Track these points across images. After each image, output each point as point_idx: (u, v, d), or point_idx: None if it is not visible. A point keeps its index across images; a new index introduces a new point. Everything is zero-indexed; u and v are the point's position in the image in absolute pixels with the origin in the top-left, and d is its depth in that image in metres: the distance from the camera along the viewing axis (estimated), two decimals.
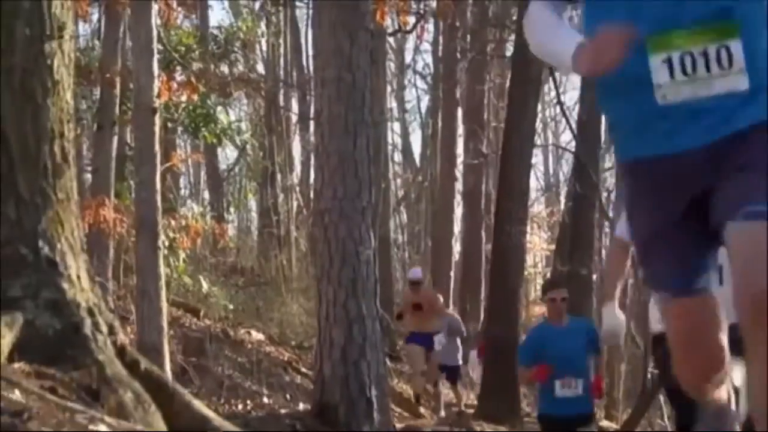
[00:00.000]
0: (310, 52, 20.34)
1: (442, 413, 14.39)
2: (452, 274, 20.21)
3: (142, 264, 9.33)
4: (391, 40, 24.52)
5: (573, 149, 18.21)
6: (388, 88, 24.38)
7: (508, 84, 19.74)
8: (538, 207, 35.52)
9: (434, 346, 13.99)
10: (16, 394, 3.76)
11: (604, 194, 22.28)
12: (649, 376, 14.16)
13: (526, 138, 16.90)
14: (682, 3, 2.93)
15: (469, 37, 21.25)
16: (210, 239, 17.83)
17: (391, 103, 28.02)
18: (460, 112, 20.99)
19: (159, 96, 9.71)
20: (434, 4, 17.59)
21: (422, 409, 14.83)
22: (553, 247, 24.21)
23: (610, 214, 18.85)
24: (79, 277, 5.10)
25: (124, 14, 12.46)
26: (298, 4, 22.53)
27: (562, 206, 21.16)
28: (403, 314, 14.71)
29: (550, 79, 18.97)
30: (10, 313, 4.78)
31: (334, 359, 9.87)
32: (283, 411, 10.91)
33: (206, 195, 24.74)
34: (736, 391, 4.77)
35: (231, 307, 15.96)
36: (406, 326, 14.99)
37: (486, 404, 14.61)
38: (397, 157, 33.55)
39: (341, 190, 10.04)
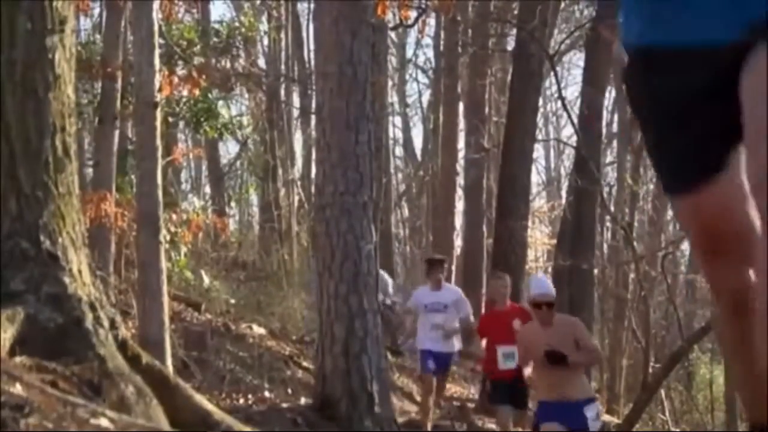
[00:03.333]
0: (312, 47, 20.38)
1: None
2: (453, 268, 20.19)
3: (144, 258, 9.33)
4: (392, 34, 24.52)
5: (574, 144, 18.19)
6: (390, 83, 24.39)
7: (509, 78, 19.75)
8: (539, 201, 35.56)
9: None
10: (17, 388, 3.76)
11: (606, 189, 22.29)
12: (650, 370, 14.16)
13: (528, 132, 16.90)
14: None
15: (470, 31, 21.25)
16: (211, 233, 17.84)
17: (393, 98, 28.05)
18: (461, 106, 21.00)
19: (160, 90, 9.69)
20: None
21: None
22: (554, 241, 24.20)
23: (612, 209, 18.84)
24: (80, 271, 5.11)
25: (125, 8, 12.46)
26: None
27: (564, 201, 21.15)
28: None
29: (552, 73, 18.95)
30: (12, 307, 4.78)
31: (335, 353, 9.88)
32: (284, 405, 10.91)
33: (207, 189, 24.78)
34: None
35: (232, 301, 15.97)
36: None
37: (487, 398, 14.60)
38: (399, 151, 33.58)
39: (342, 185, 10.05)
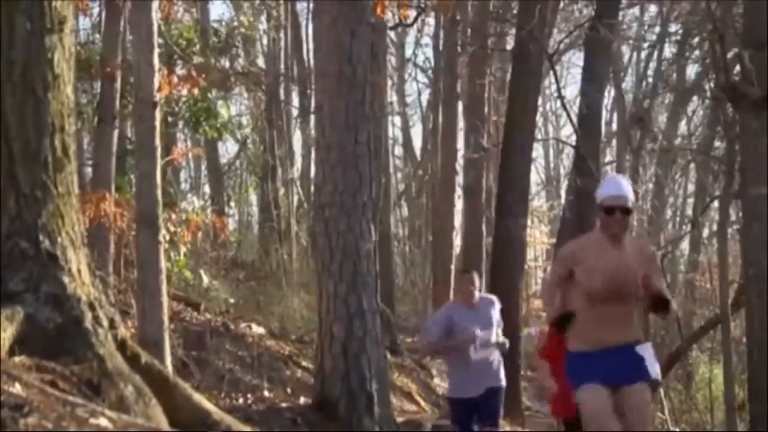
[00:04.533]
0: (311, 46, 20.35)
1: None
2: (453, 267, 20.18)
3: (143, 258, 9.33)
4: (391, 33, 24.51)
5: (573, 143, 18.18)
6: (389, 82, 24.37)
7: (508, 78, 19.74)
8: (538, 201, 35.54)
9: None
10: (17, 388, 3.76)
11: None
12: None
13: (527, 132, 16.89)
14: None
15: (469, 30, 21.23)
16: (210, 233, 17.84)
17: (392, 97, 28.02)
18: (460, 105, 20.97)
19: (159, 90, 9.69)
20: None
21: (422, 403, 14.85)
22: (553, 240, 24.20)
23: None
24: (79, 271, 5.11)
25: (124, 8, 12.45)
26: None
27: (563, 200, 21.12)
28: None
29: (551, 72, 18.95)
30: (11, 306, 4.78)
31: (334, 353, 9.88)
32: (283, 405, 10.91)
33: (207, 189, 24.75)
34: None
35: (232, 301, 15.96)
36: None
37: None
38: (398, 151, 33.56)
39: (342, 185, 10.05)
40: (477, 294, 8.91)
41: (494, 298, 9.17)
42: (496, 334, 8.85)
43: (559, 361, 6.85)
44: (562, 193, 26.15)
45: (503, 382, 8.78)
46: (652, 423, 6.09)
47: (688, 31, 23.73)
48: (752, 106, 10.89)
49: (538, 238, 32.29)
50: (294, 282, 18.09)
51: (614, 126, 29.74)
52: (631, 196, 6.05)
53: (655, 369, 6.04)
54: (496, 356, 8.78)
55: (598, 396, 5.83)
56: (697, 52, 24.20)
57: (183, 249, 14.60)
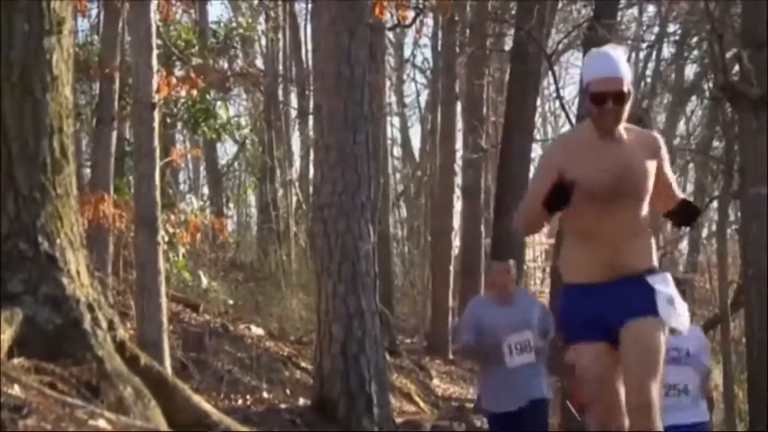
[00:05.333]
0: (309, 47, 20.34)
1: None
2: (451, 268, 20.19)
3: (142, 259, 9.33)
4: (390, 34, 24.48)
5: None
6: (387, 83, 24.35)
7: (507, 78, 19.73)
8: None
9: None
10: (16, 390, 3.75)
11: None
12: None
13: (526, 132, 16.89)
14: None
15: (468, 31, 21.23)
16: (209, 234, 17.82)
17: (391, 98, 27.99)
18: (459, 106, 20.98)
19: (158, 91, 9.70)
20: None
21: (421, 403, 14.84)
22: (552, 241, 24.21)
23: None
24: (78, 273, 5.10)
25: (122, 9, 12.45)
26: None
27: None
28: None
29: (549, 73, 18.94)
30: (10, 308, 4.77)
31: (333, 354, 9.88)
32: (282, 406, 10.91)
33: (205, 190, 24.73)
34: None
35: (230, 302, 15.96)
36: None
37: None
38: (397, 151, 33.54)
39: (340, 185, 10.05)
40: (513, 286, 7.57)
41: (539, 300, 7.49)
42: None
43: None
44: None
45: (547, 393, 7.55)
46: (656, 371, 4.46)
47: (686, 31, 23.73)
48: (751, 105, 10.89)
49: (537, 238, 32.28)
50: (293, 283, 18.08)
51: None
52: (627, 75, 4.65)
53: (673, 310, 4.58)
54: (538, 361, 7.40)
55: (599, 363, 4.61)
56: (695, 52, 24.21)
57: (182, 250, 14.61)
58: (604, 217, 4.52)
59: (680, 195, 4.78)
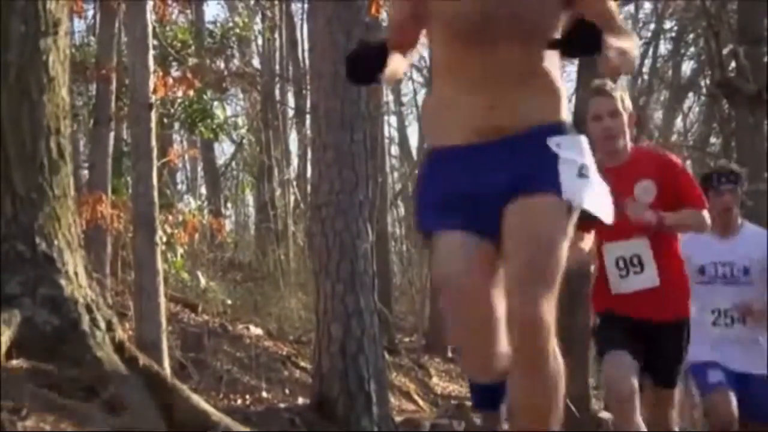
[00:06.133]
0: (306, 47, 20.35)
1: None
2: None
3: (140, 260, 9.32)
4: None
5: None
6: None
7: None
8: None
9: None
10: (15, 391, 3.76)
11: None
12: None
13: None
14: None
15: None
16: (207, 234, 17.82)
17: (388, 97, 27.99)
18: None
19: (155, 92, 9.69)
20: None
21: (421, 402, 14.84)
22: None
23: None
24: (76, 274, 5.10)
25: (119, 10, 12.44)
26: None
27: None
28: None
29: None
30: (8, 310, 4.78)
31: (332, 353, 9.87)
32: (282, 405, 10.91)
33: (203, 190, 24.72)
34: None
35: (229, 302, 15.95)
36: None
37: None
38: (394, 150, 33.54)
39: (338, 184, 10.04)
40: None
41: None
42: None
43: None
44: None
45: None
46: (550, 274, 2.93)
47: (683, 27, 23.75)
48: (748, 102, 10.91)
49: None
50: (291, 282, 18.08)
51: None
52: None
53: (586, 186, 3.01)
54: None
55: (464, 264, 3.05)
56: (692, 49, 24.23)
57: (180, 250, 14.59)
58: (474, 54, 3.07)
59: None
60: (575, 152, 3.05)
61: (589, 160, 3.08)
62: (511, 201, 2.98)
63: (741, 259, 5.79)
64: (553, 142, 3.02)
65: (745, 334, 5.72)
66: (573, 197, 2.97)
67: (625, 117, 4.85)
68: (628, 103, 4.93)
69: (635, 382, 4.70)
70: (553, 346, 2.93)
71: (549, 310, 2.89)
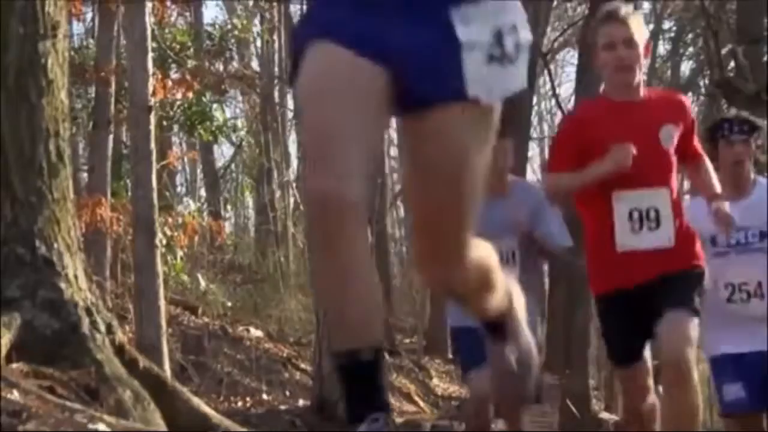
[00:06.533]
0: None
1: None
2: None
3: (140, 262, 9.32)
4: None
5: None
6: None
7: None
8: None
9: None
10: (15, 394, 3.75)
11: None
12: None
13: (522, 131, 16.89)
14: None
15: None
16: (207, 237, 17.82)
17: None
18: None
19: (154, 94, 9.69)
20: None
21: (421, 403, 14.84)
22: None
23: None
24: (76, 277, 5.10)
25: (118, 13, 12.43)
26: None
27: None
28: None
29: (545, 71, 18.96)
30: (8, 313, 4.77)
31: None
32: (282, 407, 10.91)
33: (203, 192, 24.72)
34: None
35: (229, 304, 15.95)
36: None
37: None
38: (393, 151, 33.55)
39: None
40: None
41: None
42: None
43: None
44: None
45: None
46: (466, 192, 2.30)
47: (681, 27, 23.76)
48: (747, 101, 10.90)
49: None
50: (291, 284, 18.08)
51: None
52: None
53: (501, 73, 2.26)
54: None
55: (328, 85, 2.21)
56: (691, 49, 24.22)
57: (180, 253, 14.59)
58: None
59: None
60: (482, 24, 2.22)
61: (506, 21, 2.24)
62: (403, 95, 2.21)
63: (757, 222, 4.97)
64: (457, 16, 2.20)
65: (762, 309, 4.93)
66: (483, 94, 2.20)
67: (641, 47, 4.31)
68: (645, 32, 4.45)
69: (654, 397, 4.46)
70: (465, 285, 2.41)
71: (463, 269, 2.35)
